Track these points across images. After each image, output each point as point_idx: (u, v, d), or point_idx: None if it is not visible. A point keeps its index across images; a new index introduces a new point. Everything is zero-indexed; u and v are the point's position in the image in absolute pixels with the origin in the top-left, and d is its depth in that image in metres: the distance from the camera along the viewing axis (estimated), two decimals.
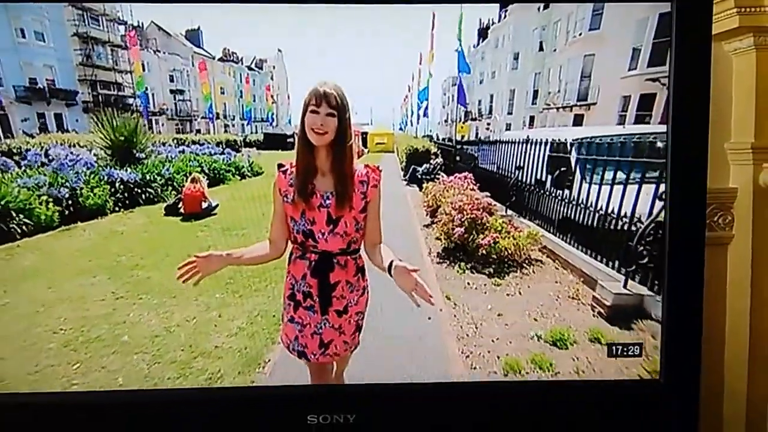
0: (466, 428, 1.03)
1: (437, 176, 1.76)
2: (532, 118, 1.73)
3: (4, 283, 1.13)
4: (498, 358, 1.04)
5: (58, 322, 1.12)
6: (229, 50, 1.87)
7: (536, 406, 1.03)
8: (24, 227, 1.21)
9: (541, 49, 1.70)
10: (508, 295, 1.18)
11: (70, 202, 1.32)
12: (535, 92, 1.73)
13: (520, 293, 1.18)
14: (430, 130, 1.80)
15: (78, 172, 1.37)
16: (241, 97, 1.85)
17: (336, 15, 1.23)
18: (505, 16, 1.73)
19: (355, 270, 1.00)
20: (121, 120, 1.45)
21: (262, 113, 1.86)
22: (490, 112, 1.80)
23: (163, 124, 1.71)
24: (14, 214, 1.19)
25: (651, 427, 1.05)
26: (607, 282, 1.13)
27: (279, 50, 1.72)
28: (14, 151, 1.31)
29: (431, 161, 1.86)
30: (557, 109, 1.70)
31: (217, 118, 1.79)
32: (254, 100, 1.84)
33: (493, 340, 1.07)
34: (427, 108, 1.69)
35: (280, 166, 0.96)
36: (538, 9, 1.71)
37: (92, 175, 1.38)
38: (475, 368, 1.05)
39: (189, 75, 1.78)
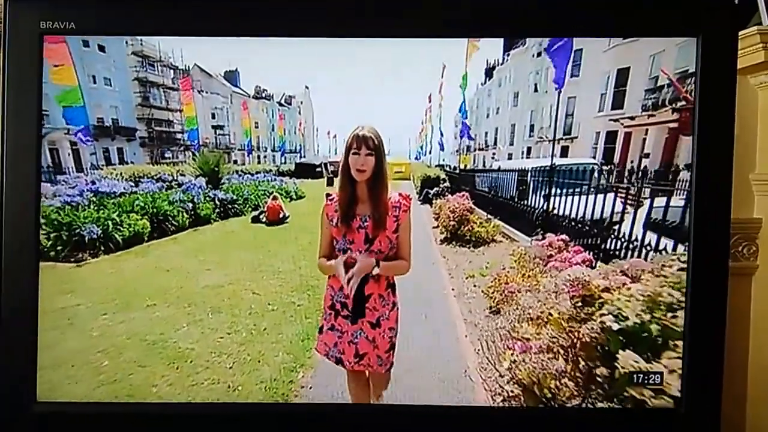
0: None
1: (445, 196, 2.06)
2: (529, 149, 1.99)
3: (183, 254, 1.85)
4: (463, 272, 1.82)
5: (240, 264, 1.88)
6: (260, 88, 2.11)
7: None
8: (173, 227, 1.83)
9: (535, 90, 1.97)
10: (477, 255, 1.95)
11: (192, 212, 1.89)
12: (532, 126, 1.99)
13: (483, 254, 1.95)
14: (443, 160, 2.06)
15: (196, 192, 1.89)
16: (273, 130, 2.09)
17: (356, 56, 1.41)
18: (507, 60, 2.01)
19: (387, 285, 1.15)
20: (212, 154, 1.92)
21: (291, 145, 2.10)
22: (495, 143, 2.07)
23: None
24: (170, 219, 1.81)
25: None
26: (523, 242, 1.81)
27: (306, 87, 1.96)
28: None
29: (440, 185, 2.13)
30: (548, 141, 1.97)
31: (253, 150, 2.02)
32: (284, 133, 2.08)
33: (463, 270, 1.84)
34: (441, 143, 1.98)
35: (328, 195, 1.16)
36: (533, 56, 1.99)
37: (203, 195, 1.91)
38: (453, 278, 1.81)
39: (228, 111, 2.02)
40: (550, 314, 1.19)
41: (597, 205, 1.61)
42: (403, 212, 1.12)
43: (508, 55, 2.00)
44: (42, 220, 1.16)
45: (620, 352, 1.08)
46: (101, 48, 1.67)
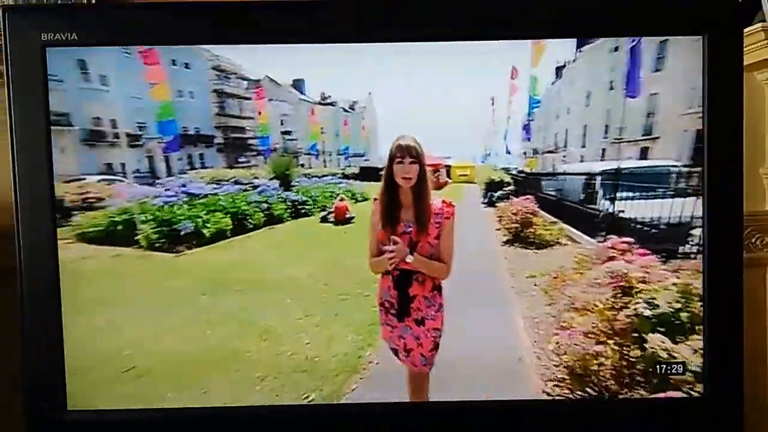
0: None
1: (509, 199, 2.02)
2: (603, 151, 1.87)
3: (261, 250, 2.08)
4: (525, 272, 1.87)
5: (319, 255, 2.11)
6: (325, 95, 2.17)
7: (579, 422, 1.16)
8: (251, 225, 2.04)
9: (611, 88, 1.85)
10: (539, 256, 1.94)
11: (267, 212, 2.05)
12: (606, 127, 1.87)
13: (547, 256, 1.93)
14: (509, 163, 2.01)
15: (270, 193, 2.02)
16: (338, 135, 2.15)
17: (419, 61, 1.41)
18: (578, 56, 1.91)
19: (432, 287, 1.22)
20: (283, 159, 2.02)
21: (355, 149, 2.15)
22: (566, 145, 1.97)
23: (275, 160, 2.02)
24: (249, 218, 2.02)
25: None
26: (587, 244, 1.77)
27: (369, 93, 1.98)
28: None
29: (505, 188, 2.08)
30: (626, 142, 1.84)
31: (319, 154, 2.09)
32: (349, 138, 2.13)
33: (525, 270, 1.88)
34: (507, 146, 1.94)
35: (376, 199, 1.21)
36: (609, 51, 1.87)
37: (276, 196, 2.03)
38: (513, 276, 1.88)
39: (295, 118, 2.10)
40: (596, 305, 1.32)
41: (673, 208, 1.52)
42: (445, 219, 1.20)
43: (581, 51, 1.90)
44: (150, 217, 1.30)
45: (650, 334, 1.22)
46: (186, 65, 1.81)
